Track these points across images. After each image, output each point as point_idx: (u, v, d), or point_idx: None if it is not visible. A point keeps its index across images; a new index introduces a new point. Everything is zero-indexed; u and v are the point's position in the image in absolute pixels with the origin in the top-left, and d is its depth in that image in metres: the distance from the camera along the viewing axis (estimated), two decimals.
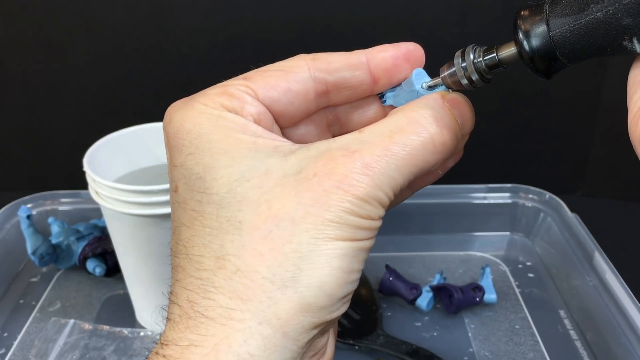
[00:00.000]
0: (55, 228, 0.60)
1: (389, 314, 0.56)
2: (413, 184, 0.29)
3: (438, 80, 0.29)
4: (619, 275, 0.52)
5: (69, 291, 0.59)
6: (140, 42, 0.71)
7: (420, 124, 0.27)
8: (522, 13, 0.27)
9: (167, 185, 0.45)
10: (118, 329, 0.53)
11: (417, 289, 0.56)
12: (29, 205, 0.62)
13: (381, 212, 0.26)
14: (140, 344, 0.52)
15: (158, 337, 0.27)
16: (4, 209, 0.61)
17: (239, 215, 0.25)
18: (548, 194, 0.65)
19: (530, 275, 0.62)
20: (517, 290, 0.59)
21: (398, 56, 0.30)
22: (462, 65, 0.28)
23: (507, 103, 0.74)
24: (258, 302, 0.25)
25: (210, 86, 0.29)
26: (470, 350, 0.52)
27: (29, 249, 0.57)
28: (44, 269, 0.62)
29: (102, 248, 0.59)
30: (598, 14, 0.24)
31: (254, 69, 0.29)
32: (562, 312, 0.56)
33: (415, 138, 0.26)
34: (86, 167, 0.49)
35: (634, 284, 0.51)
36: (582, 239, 0.57)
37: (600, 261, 0.54)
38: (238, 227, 0.25)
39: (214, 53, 0.71)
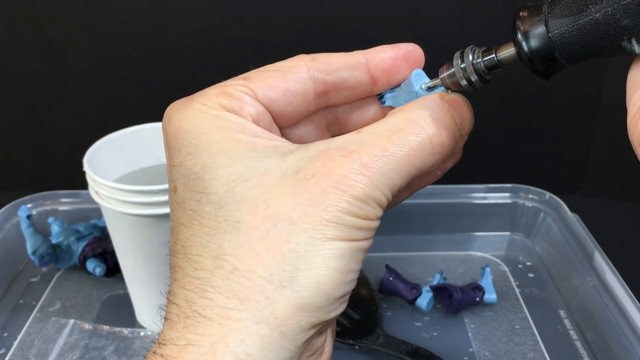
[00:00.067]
0: (55, 228, 0.60)
1: (389, 314, 0.56)
2: (412, 185, 0.29)
3: (437, 81, 0.29)
4: (619, 275, 0.52)
5: (69, 291, 0.59)
6: (140, 42, 0.71)
7: (419, 125, 0.27)
8: (520, 14, 0.27)
9: (167, 185, 0.44)
10: (118, 329, 0.53)
11: (417, 289, 0.56)
12: (29, 205, 0.62)
13: (379, 212, 0.26)
14: (140, 344, 0.52)
15: (157, 336, 0.27)
16: (4, 209, 0.61)
17: (237, 215, 0.25)
18: (548, 194, 0.65)
19: (530, 275, 0.62)
20: (517, 290, 0.59)
21: (397, 57, 0.30)
22: (461, 66, 0.28)
23: (507, 103, 0.74)
24: (255, 301, 0.25)
25: (209, 86, 0.29)
26: (470, 350, 0.52)
27: (29, 249, 0.57)
28: (44, 269, 0.62)
29: (102, 248, 0.59)
30: (597, 14, 0.24)
31: (253, 69, 0.29)
32: (562, 312, 0.56)
33: (414, 139, 0.26)
34: (86, 167, 0.49)
35: (634, 284, 0.51)
36: (582, 239, 0.57)
37: (600, 261, 0.54)
38: (236, 227, 0.25)
39: (214, 53, 0.71)
